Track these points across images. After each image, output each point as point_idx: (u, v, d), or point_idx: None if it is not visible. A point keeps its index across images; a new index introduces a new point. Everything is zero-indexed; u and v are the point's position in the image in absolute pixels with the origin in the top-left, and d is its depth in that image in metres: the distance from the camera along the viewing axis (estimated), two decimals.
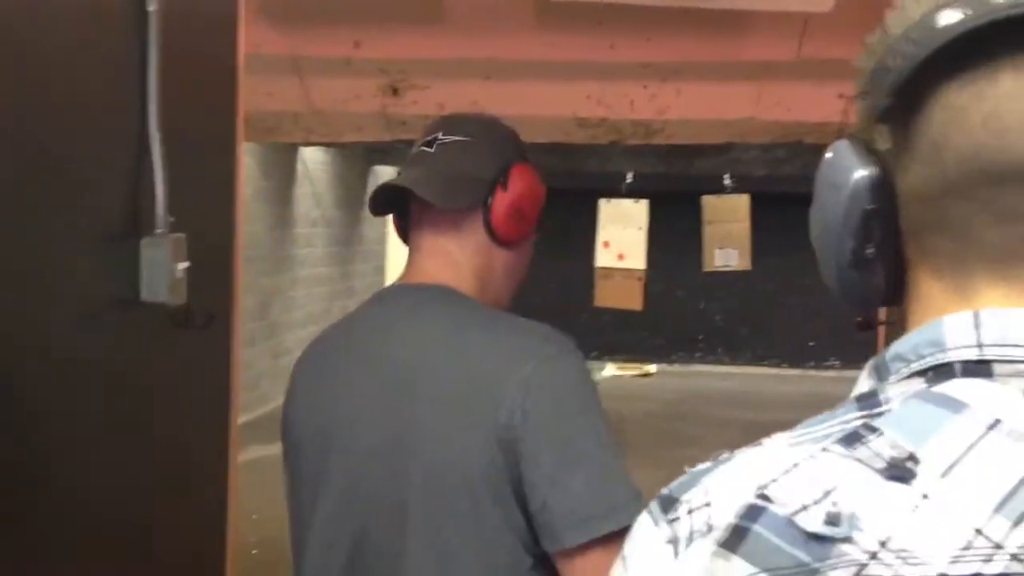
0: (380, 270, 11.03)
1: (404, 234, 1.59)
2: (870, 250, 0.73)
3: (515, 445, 1.32)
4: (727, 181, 10.87)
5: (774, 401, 11.14)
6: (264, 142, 8.04)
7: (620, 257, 8.14)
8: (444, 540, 1.35)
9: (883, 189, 0.72)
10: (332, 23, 4.45)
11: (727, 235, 9.42)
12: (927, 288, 0.73)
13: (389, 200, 1.56)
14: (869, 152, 0.73)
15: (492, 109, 6.45)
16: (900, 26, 0.71)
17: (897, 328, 0.79)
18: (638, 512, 1.30)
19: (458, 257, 1.51)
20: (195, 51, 2.11)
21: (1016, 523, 0.60)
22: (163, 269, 1.86)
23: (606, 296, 8.13)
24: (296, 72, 5.42)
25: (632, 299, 8.14)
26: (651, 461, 5.26)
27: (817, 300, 13.54)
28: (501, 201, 1.50)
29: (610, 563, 1.29)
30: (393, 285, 1.58)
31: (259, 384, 8.72)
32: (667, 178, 11.36)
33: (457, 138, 1.52)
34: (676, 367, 13.55)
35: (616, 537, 1.27)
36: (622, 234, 8.20)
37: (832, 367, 13.46)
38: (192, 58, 2.08)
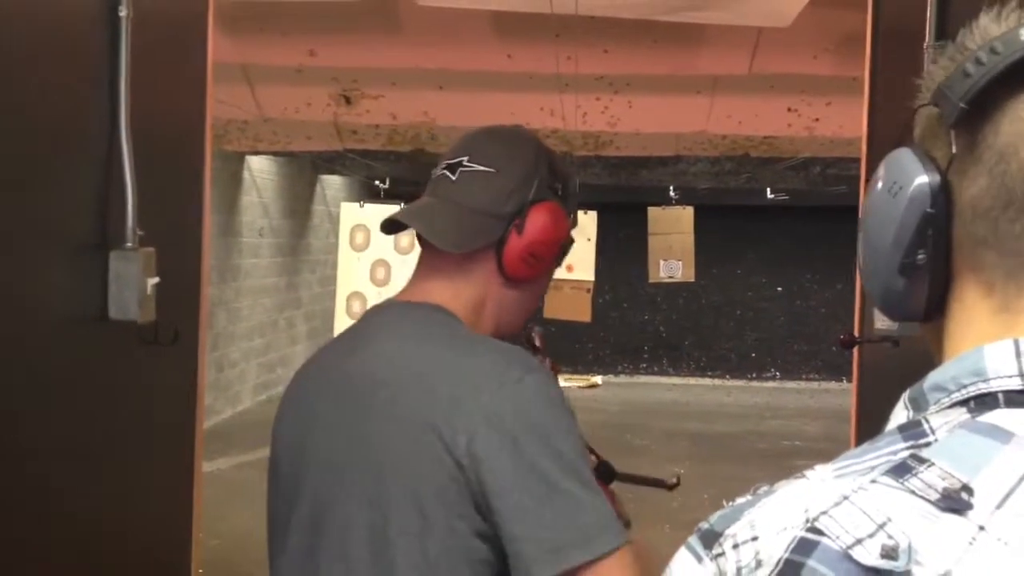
0: (327, 281, 10.91)
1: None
2: (921, 256, 0.72)
3: (478, 473, 1.28)
4: (672, 193, 10.96)
5: (718, 412, 11.22)
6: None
7: (569, 268, 8.13)
8: (389, 560, 1.32)
9: (943, 196, 0.72)
10: (287, 31, 4.41)
11: (671, 247, 9.48)
12: (972, 304, 0.72)
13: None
14: (929, 159, 0.73)
15: (443, 120, 6.39)
16: (980, 40, 0.71)
17: (931, 345, 0.78)
18: (614, 540, 1.28)
19: (459, 280, 1.47)
20: (166, 58, 2.05)
21: None
22: (132, 285, 1.80)
23: (555, 308, 8.12)
24: (246, 80, 5.35)
25: (581, 311, 8.14)
26: None
27: (758, 312, 13.71)
28: (515, 244, 1.46)
29: None
30: (387, 300, 1.54)
31: None
32: (613, 189, 11.40)
33: (481, 168, 1.46)
34: (621, 378, 13.60)
35: (588, 568, 1.24)
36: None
37: (773, 378, 13.61)
38: (162, 65, 2.03)
